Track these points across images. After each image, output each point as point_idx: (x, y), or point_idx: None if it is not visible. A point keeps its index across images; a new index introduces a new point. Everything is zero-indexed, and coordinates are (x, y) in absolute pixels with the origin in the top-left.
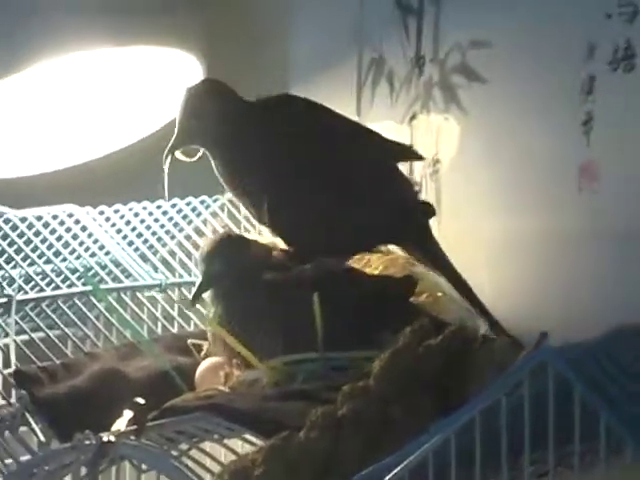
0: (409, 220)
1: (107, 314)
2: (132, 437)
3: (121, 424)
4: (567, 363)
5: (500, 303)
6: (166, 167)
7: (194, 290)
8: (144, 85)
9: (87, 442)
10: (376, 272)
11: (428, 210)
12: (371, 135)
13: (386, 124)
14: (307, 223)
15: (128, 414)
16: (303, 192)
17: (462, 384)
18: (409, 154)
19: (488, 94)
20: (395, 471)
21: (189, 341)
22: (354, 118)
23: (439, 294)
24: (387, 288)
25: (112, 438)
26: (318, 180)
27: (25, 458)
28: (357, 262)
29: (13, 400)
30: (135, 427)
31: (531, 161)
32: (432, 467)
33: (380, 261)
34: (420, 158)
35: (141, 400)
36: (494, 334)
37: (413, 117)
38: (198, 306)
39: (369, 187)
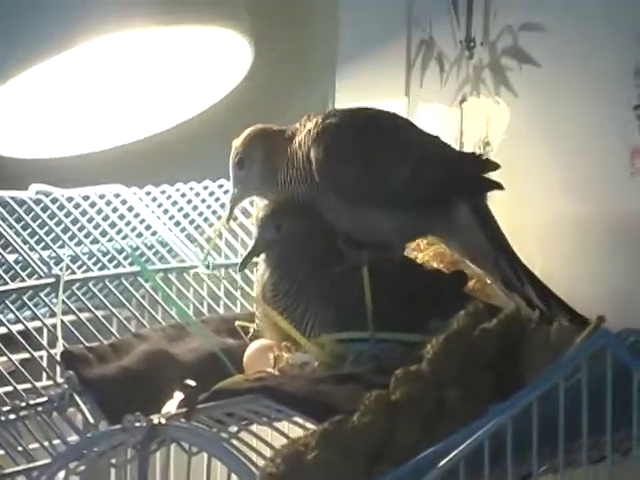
0: (463, 171)
1: (154, 294)
2: (182, 419)
3: (171, 406)
4: (626, 348)
5: (552, 286)
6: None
7: (245, 254)
8: (192, 65)
9: (137, 424)
10: (426, 258)
11: (487, 163)
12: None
13: (435, 106)
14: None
15: (178, 396)
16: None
17: (517, 368)
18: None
19: (539, 77)
20: (450, 456)
21: (237, 323)
22: (402, 99)
23: (488, 280)
24: (440, 282)
25: (162, 420)
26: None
27: (73, 439)
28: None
29: (60, 380)
30: (185, 409)
31: (582, 145)
32: (488, 452)
33: (429, 247)
34: (500, 187)
35: (192, 382)
36: (549, 309)
37: (463, 99)
38: (246, 288)
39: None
